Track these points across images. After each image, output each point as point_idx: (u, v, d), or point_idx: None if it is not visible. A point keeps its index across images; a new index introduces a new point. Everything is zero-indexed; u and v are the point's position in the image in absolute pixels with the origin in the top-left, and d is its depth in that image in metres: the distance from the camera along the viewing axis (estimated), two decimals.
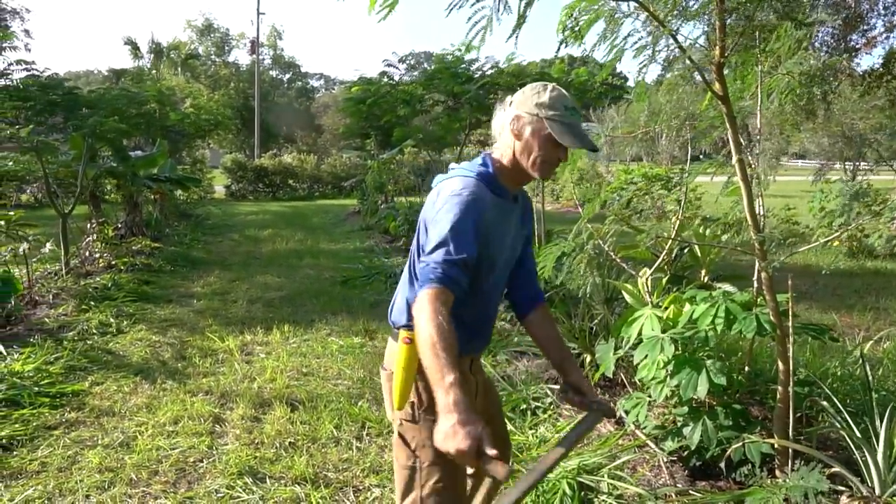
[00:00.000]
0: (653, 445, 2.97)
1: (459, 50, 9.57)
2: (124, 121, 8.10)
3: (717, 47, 2.30)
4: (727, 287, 2.97)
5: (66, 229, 6.79)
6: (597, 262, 3.73)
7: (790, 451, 2.43)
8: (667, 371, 2.73)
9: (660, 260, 3.34)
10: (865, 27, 9.08)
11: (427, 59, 29.71)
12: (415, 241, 1.65)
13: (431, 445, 1.58)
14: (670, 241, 3.41)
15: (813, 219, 9.76)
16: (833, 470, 2.33)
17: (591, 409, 1.68)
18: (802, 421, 2.83)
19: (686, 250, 3.76)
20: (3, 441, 3.11)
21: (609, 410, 1.71)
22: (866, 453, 2.33)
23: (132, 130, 9.49)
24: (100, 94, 8.29)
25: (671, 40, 2.29)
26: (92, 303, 5.61)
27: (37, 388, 3.68)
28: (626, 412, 3.00)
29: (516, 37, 2.12)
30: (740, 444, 2.49)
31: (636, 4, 2.25)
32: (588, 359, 3.85)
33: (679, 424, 2.78)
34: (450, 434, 1.20)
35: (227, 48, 40.12)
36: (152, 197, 10.41)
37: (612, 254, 3.38)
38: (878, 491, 2.27)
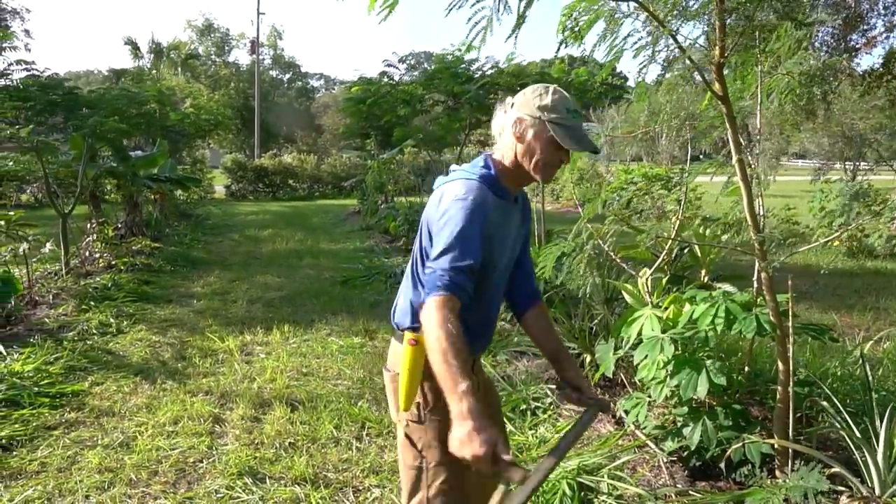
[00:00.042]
0: (653, 446, 2.97)
1: (459, 50, 9.58)
2: (124, 121, 8.10)
3: (717, 47, 2.30)
4: (727, 287, 2.97)
5: (66, 229, 6.79)
6: (597, 262, 3.73)
7: (790, 451, 2.43)
8: (667, 371, 2.73)
9: (660, 260, 3.34)
10: (865, 27, 9.08)
11: (427, 59, 29.72)
12: (416, 243, 1.65)
13: (437, 446, 1.59)
14: (670, 241, 3.41)
15: (813, 219, 9.76)
16: (833, 470, 2.33)
17: (588, 406, 1.69)
18: (802, 421, 2.83)
19: (686, 250, 3.76)
20: (3, 441, 3.11)
21: (605, 405, 1.74)
22: (866, 453, 2.33)
23: (132, 130, 9.49)
24: (100, 94, 8.29)
25: (671, 40, 2.29)
26: (92, 303, 5.61)
27: (36, 389, 3.68)
28: (626, 412, 3.00)
29: (515, 37, 2.12)
30: (740, 444, 2.49)
31: (636, 4, 2.25)
32: (588, 359, 3.85)
33: (679, 425, 2.78)
34: (466, 441, 1.24)
35: (227, 48, 40.17)
36: (152, 197, 10.41)
37: (612, 254, 3.38)
38: (877, 491, 2.26)
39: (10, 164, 8.71)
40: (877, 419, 2.42)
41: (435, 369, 1.35)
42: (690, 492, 2.60)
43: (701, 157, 5.68)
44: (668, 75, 2.55)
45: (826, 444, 2.84)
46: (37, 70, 7.35)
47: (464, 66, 9.82)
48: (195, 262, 8.17)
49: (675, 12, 2.28)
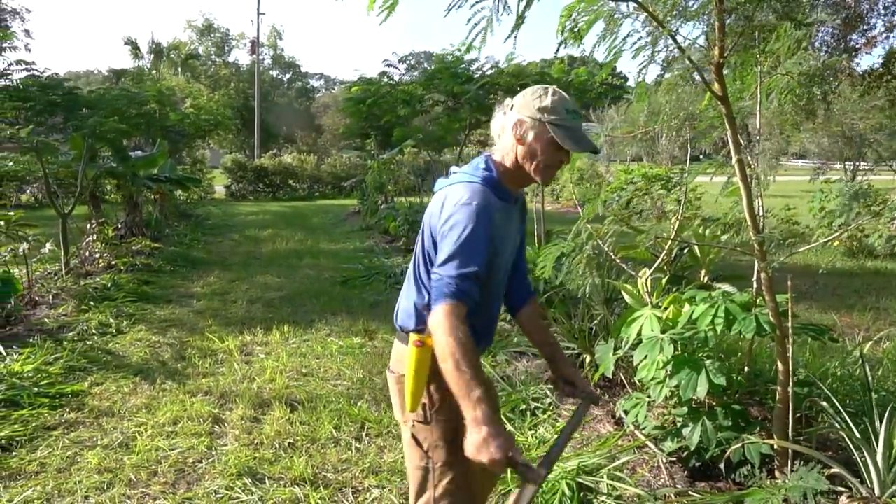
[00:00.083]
0: (652, 446, 2.97)
1: (459, 50, 9.60)
2: (124, 121, 8.10)
3: (717, 47, 2.30)
4: (727, 287, 2.97)
5: (66, 229, 6.79)
6: (596, 263, 3.73)
7: (790, 451, 2.43)
8: (666, 371, 2.73)
9: (659, 260, 3.34)
10: (865, 27, 9.08)
11: (427, 59, 29.71)
12: (419, 245, 1.65)
13: (444, 446, 1.61)
14: (670, 241, 3.41)
15: (813, 219, 9.75)
16: (832, 470, 2.33)
17: (581, 399, 1.77)
18: (802, 421, 2.83)
19: (686, 250, 3.76)
20: (3, 441, 3.11)
21: (595, 398, 1.82)
22: (866, 454, 2.33)
23: (132, 130, 9.50)
24: (100, 94, 8.29)
25: (670, 41, 2.29)
26: (92, 303, 5.61)
27: (36, 389, 3.68)
28: (626, 412, 3.00)
29: (515, 37, 2.12)
30: (740, 444, 2.48)
31: (635, 5, 2.25)
32: (588, 359, 3.85)
33: (678, 425, 2.78)
34: (482, 446, 1.30)
35: (227, 48, 40.17)
36: (152, 197, 10.41)
37: (611, 254, 3.37)
38: (877, 492, 2.26)
39: (10, 164, 8.70)
40: (876, 419, 2.42)
41: (447, 378, 1.38)
42: (690, 492, 2.60)
43: (701, 157, 5.69)
44: (667, 75, 2.55)
45: (826, 445, 2.83)
46: (37, 70, 7.37)
47: (464, 66, 9.83)
48: (195, 262, 8.17)
49: (674, 12, 2.28)
